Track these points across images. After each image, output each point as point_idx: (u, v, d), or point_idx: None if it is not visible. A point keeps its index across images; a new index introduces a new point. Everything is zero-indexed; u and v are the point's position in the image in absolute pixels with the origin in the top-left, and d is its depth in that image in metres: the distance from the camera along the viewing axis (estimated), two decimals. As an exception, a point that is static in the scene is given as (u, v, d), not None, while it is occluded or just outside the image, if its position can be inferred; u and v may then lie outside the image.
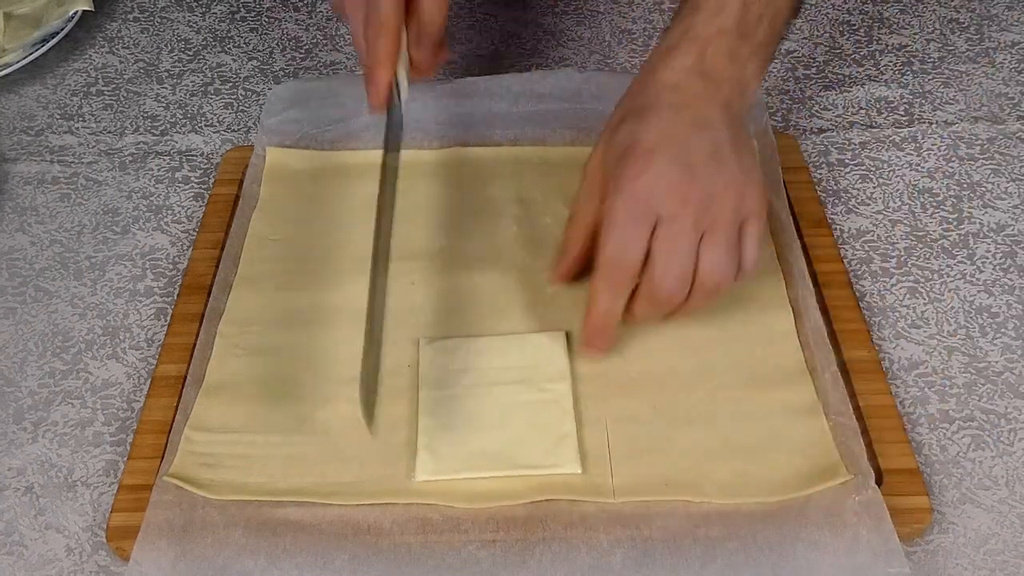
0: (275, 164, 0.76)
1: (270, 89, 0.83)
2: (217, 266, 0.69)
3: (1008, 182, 0.76)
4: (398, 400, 0.60)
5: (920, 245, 0.71)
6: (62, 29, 0.89)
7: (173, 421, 0.60)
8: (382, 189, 0.62)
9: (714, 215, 0.57)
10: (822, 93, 0.84)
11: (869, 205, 0.74)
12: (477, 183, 0.74)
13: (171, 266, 0.72)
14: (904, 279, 0.69)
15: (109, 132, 0.84)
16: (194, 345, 0.64)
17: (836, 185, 0.76)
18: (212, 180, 0.78)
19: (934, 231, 0.72)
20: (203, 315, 0.65)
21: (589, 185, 0.60)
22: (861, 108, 0.82)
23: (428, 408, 0.59)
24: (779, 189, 0.71)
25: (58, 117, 0.85)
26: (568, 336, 0.63)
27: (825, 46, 0.89)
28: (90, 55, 0.92)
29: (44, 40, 0.88)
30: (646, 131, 0.58)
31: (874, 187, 0.76)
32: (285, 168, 0.76)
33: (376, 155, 0.76)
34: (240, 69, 0.90)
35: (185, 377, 0.62)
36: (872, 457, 0.57)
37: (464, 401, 0.60)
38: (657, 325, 0.61)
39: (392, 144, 0.64)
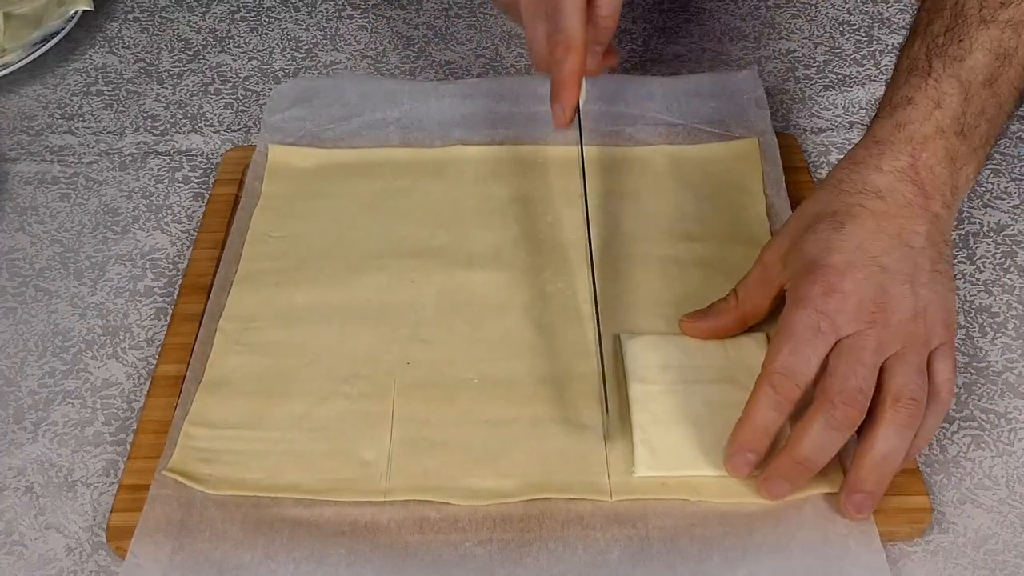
0: (277, 161, 0.76)
1: (271, 89, 0.83)
2: (217, 266, 0.69)
3: (1008, 182, 0.76)
4: (385, 399, 0.60)
5: (920, 245, 0.71)
6: (62, 29, 0.89)
7: (173, 419, 0.60)
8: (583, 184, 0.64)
9: (901, 339, 0.53)
10: (822, 93, 0.84)
11: (869, 205, 0.74)
12: (478, 181, 0.74)
13: (171, 266, 0.72)
14: (904, 279, 0.69)
15: (109, 132, 0.84)
16: (194, 344, 0.64)
17: (836, 185, 0.76)
18: (212, 180, 0.78)
19: (934, 231, 0.72)
20: (203, 315, 0.66)
21: (762, 272, 0.59)
22: (861, 108, 0.82)
23: (640, 403, 0.59)
24: (780, 188, 0.71)
25: (58, 117, 0.85)
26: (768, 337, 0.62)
27: (825, 46, 0.89)
28: (90, 55, 0.92)
29: (44, 40, 0.88)
30: (842, 243, 0.54)
31: (874, 187, 0.75)
32: (287, 165, 0.76)
33: (377, 153, 0.77)
34: (240, 69, 0.90)
35: (185, 374, 0.62)
36: (872, 457, 0.57)
37: (674, 397, 0.59)
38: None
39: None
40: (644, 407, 0.59)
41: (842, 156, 0.77)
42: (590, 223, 0.65)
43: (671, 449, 0.57)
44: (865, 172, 0.56)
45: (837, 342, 0.53)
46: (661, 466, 0.56)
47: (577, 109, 0.65)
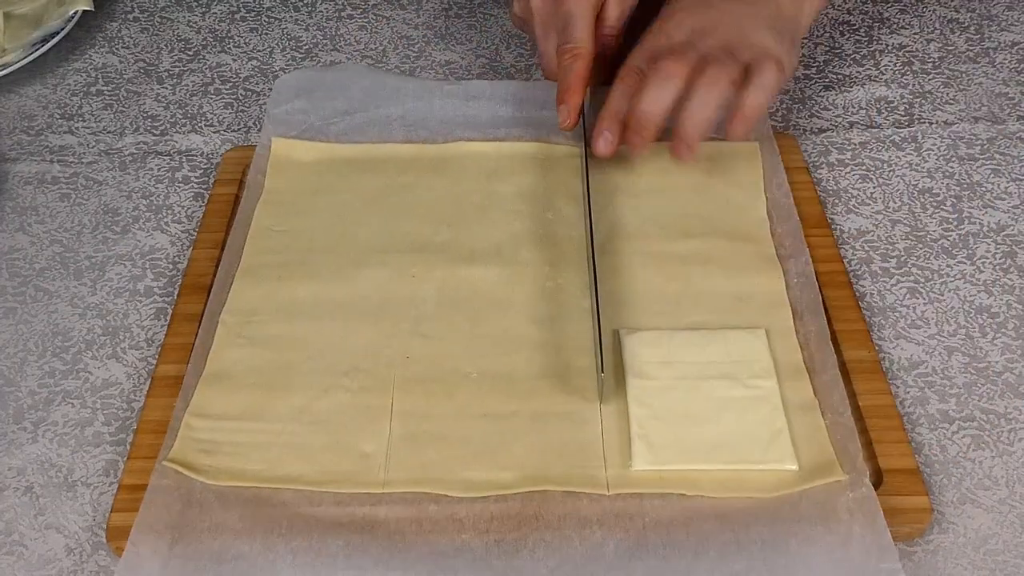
0: (280, 155, 0.76)
1: (270, 89, 0.83)
2: (217, 265, 0.69)
3: (1008, 182, 0.76)
4: (385, 392, 0.61)
5: (920, 245, 0.71)
6: (62, 29, 0.89)
7: (174, 411, 0.60)
8: (583, 183, 0.71)
9: (718, 51, 0.67)
10: (822, 93, 0.84)
11: (869, 205, 0.74)
12: (480, 178, 0.75)
13: (171, 266, 0.72)
14: (904, 279, 0.69)
15: (109, 132, 0.84)
16: (194, 343, 0.64)
17: (836, 185, 0.76)
18: (212, 180, 0.78)
19: (934, 231, 0.72)
20: (203, 315, 0.66)
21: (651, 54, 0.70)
22: (861, 108, 0.82)
23: (638, 398, 0.59)
24: (781, 187, 0.71)
25: (58, 117, 0.85)
26: (767, 334, 0.63)
27: (825, 46, 0.89)
28: (90, 55, 0.92)
29: (44, 40, 0.88)
30: (693, 23, 0.70)
31: (874, 187, 0.76)
32: (290, 159, 0.76)
33: (380, 149, 0.77)
34: (240, 69, 0.90)
35: (185, 372, 0.62)
36: (872, 457, 0.57)
37: (673, 393, 0.60)
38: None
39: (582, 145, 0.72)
40: (642, 402, 0.59)
41: (842, 156, 0.78)
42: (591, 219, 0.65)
43: (669, 443, 0.57)
44: None
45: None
46: (658, 460, 0.56)
47: (582, 112, 0.70)
